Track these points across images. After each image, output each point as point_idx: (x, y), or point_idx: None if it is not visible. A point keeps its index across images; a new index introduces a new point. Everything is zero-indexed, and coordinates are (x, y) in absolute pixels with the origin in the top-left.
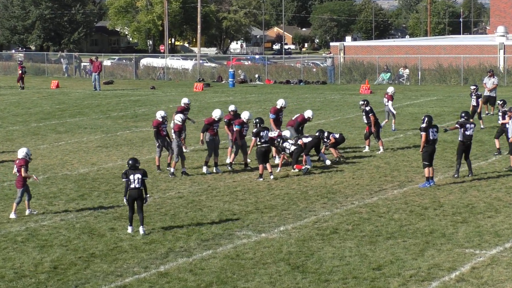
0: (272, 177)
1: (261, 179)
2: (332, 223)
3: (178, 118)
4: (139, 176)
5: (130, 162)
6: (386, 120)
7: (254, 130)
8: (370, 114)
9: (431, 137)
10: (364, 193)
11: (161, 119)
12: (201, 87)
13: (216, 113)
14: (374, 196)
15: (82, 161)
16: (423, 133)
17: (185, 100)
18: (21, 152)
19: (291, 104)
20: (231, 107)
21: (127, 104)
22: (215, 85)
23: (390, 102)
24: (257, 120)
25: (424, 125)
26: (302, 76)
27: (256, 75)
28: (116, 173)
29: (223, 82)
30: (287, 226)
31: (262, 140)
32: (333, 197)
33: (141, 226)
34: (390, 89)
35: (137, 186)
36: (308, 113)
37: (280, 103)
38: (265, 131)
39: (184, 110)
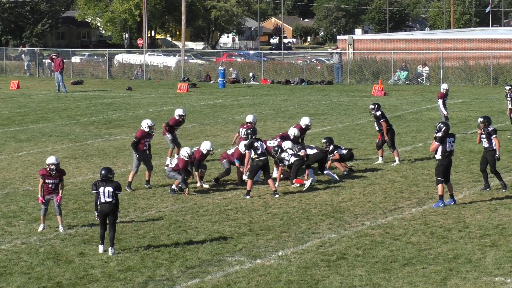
0: (277, 196)
1: (248, 197)
2: (339, 247)
3: (184, 152)
4: (110, 189)
5: (102, 172)
6: None
7: (246, 142)
8: (382, 120)
9: (448, 149)
10: (376, 212)
11: (147, 130)
12: (185, 88)
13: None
14: (388, 216)
15: None
16: (437, 143)
17: (179, 112)
18: None
19: (291, 108)
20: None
21: (99, 108)
22: (202, 86)
23: (440, 100)
24: (249, 131)
25: (440, 134)
26: (304, 75)
27: (251, 74)
28: (86, 188)
29: (212, 82)
30: (286, 251)
31: (259, 152)
32: (341, 217)
33: (111, 248)
34: (444, 86)
35: (108, 200)
36: (305, 121)
37: (248, 119)
38: (259, 142)
39: (177, 124)
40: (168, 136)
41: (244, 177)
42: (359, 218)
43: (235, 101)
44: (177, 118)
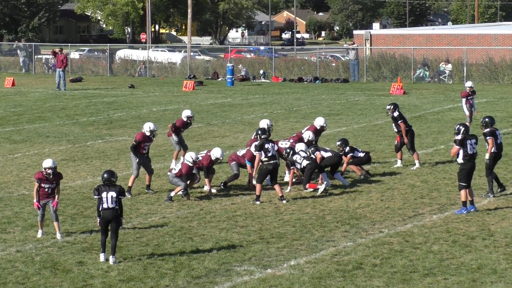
0: (284, 201)
1: (258, 202)
2: (355, 256)
3: (189, 158)
4: (114, 194)
5: (105, 176)
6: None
7: (256, 142)
8: (400, 121)
9: (469, 151)
10: (395, 219)
11: (148, 134)
12: (192, 86)
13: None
14: (408, 223)
15: None
16: (457, 147)
17: (187, 113)
18: None
19: (304, 108)
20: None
21: (99, 107)
22: (210, 84)
23: (463, 99)
24: (259, 131)
25: (459, 136)
26: (318, 73)
27: (261, 71)
28: (85, 193)
29: (220, 79)
30: (299, 260)
31: (269, 155)
32: (357, 224)
33: (112, 256)
34: (468, 84)
35: (110, 206)
36: (319, 121)
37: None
38: (270, 143)
39: (184, 126)
40: (174, 137)
41: (254, 182)
42: (377, 225)
43: (244, 100)
44: (184, 119)
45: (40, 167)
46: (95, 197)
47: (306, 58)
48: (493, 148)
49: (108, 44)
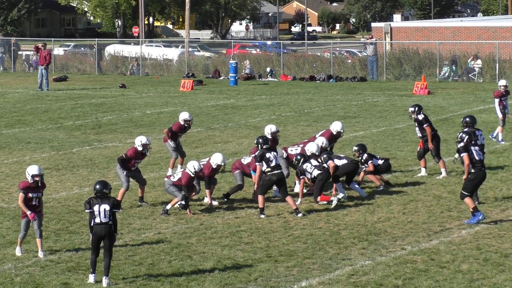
0: (300, 215)
1: (263, 216)
2: (374, 277)
3: (191, 167)
4: (107, 207)
5: (97, 187)
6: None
7: (256, 153)
8: (425, 125)
9: (477, 157)
10: (419, 235)
11: (140, 149)
12: (190, 86)
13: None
14: (433, 239)
15: None
16: (464, 155)
17: (185, 116)
18: None
19: (317, 110)
20: None
21: (86, 109)
22: (210, 83)
23: (496, 100)
24: (260, 140)
25: (463, 143)
26: (332, 70)
27: (268, 69)
28: (71, 206)
29: (222, 78)
30: (311, 281)
31: (272, 165)
32: (376, 240)
33: (105, 277)
34: (502, 82)
35: (104, 220)
36: (336, 126)
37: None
38: (272, 152)
39: (181, 131)
40: (171, 143)
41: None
42: (398, 242)
43: (249, 101)
44: (181, 123)
45: (20, 177)
46: (87, 211)
47: (319, 54)
48: None
49: (96, 39)
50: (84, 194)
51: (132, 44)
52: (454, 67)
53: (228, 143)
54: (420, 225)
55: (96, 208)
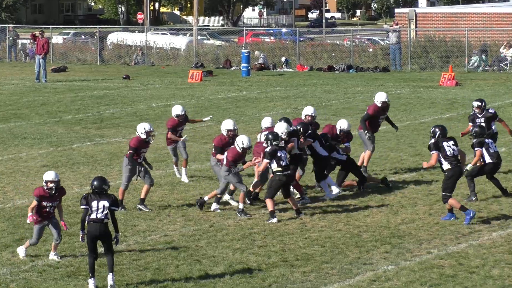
0: (302, 215)
1: (275, 220)
2: (398, 283)
3: (240, 142)
4: (106, 204)
5: (95, 183)
6: None
7: (267, 149)
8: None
9: (449, 153)
10: (446, 237)
11: (144, 136)
12: (199, 77)
13: (227, 125)
14: (461, 242)
15: (20, 187)
16: (435, 152)
17: (177, 110)
18: None
19: (335, 103)
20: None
21: (87, 102)
22: (221, 73)
23: None
24: (270, 136)
25: (433, 140)
26: (352, 60)
27: (283, 58)
28: (70, 206)
29: (233, 68)
30: (330, 287)
31: (283, 164)
32: (400, 243)
33: (111, 274)
34: None
35: (100, 216)
36: (381, 97)
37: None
38: (283, 152)
39: (177, 126)
40: (179, 142)
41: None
42: (424, 245)
43: (262, 94)
44: (175, 119)
45: (16, 175)
46: (82, 207)
47: (338, 43)
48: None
49: (97, 26)
50: (85, 193)
51: (136, 31)
52: (484, 56)
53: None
54: (448, 227)
55: (94, 204)
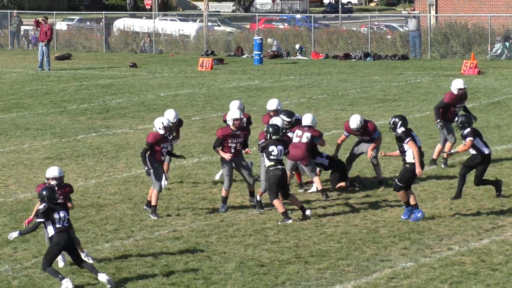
0: (309, 212)
1: (290, 221)
2: (417, 280)
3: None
4: (65, 213)
5: (45, 193)
6: None
7: (260, 142)
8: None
9: (418, 144)
10: (468, 233)
11: (162, 132)
12: (209, 65)
13: (233, 114)
14: (484, 238)
15: (22, 180)
16: (409, 141)
17: (168, 117)
18: None
19: (352, 92)
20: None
21: (92, 91)
22: (232, 61)
23: None
24: (270, 130)
25: (402, 128)
26: (370, 47)
27: (297, 46)
28: (75, 200)
29: (245, 56)
30: (345, 285)
31: (272, 158)
32: (419, 239)
33: (99, 273)
34: None
35: (66, 224)
36: (457, 84)
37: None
38: (278, 146)
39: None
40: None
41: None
42: (444, 241)
43: (276, 83)
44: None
45: (17, 167)
46: (39, 220)
47: (355, 29)
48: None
49: (103, 12)
50: (90, 187)
51: (144, 18)
52: (507, 44)
53: (252, 129)
54: (469, 222)
55: (56, 216)
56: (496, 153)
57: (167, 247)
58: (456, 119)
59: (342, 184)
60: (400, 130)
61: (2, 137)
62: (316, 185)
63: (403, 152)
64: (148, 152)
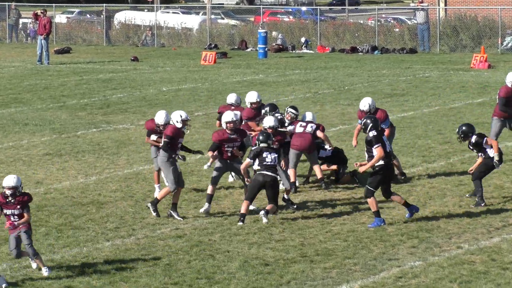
0: (295, 207)
1: (240, 224)
2: (425, 280)
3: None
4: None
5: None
6: None
7: (253, 148)
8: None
9: (387, 149)
10: (478, 231)
11: (180, 125)
12: (213, 59)
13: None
14: (494, 236)
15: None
16: (378, 147)
17: (159, 119)
18: None
19: (359, 87)
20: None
21: (93, 86)
22: (236, 55)
23: None
24: (261, 138)
25: (374, 132)
26: (377, 41)
27: (303, 39)
28: (75, 197)
29: (249, 49)
30: (352, 284)
31: (265, 164)
32: (428, 237)
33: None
34: None
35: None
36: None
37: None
38: (272, 153)
39: (153, 132)
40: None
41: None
42: (454, 239)
43: (280, 77)
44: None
45: (16, 164)
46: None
47: (362, 22)
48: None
49: (104, 5)
50: (90, 184)
51: (145, 10)
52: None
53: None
54: (479, 220)
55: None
56: (507, 149)
57: (169, 246)
58: (457, 129)
59: (334, 166)
60: (371, 133)
61: (0, 133)
62: (316, 173)
63: (371, 157)
64: (169, 145)
